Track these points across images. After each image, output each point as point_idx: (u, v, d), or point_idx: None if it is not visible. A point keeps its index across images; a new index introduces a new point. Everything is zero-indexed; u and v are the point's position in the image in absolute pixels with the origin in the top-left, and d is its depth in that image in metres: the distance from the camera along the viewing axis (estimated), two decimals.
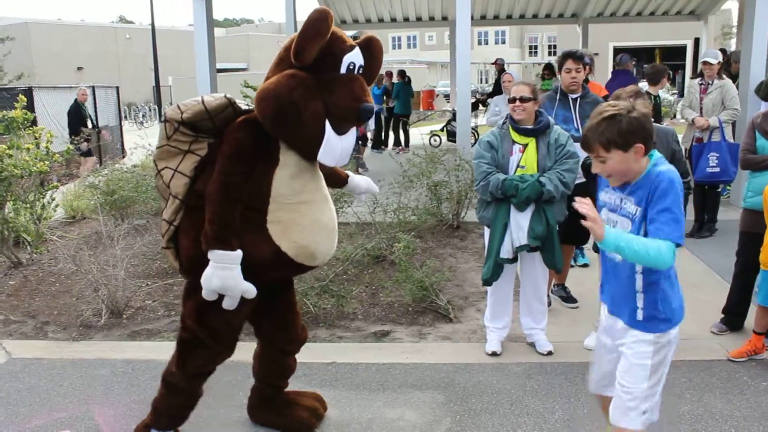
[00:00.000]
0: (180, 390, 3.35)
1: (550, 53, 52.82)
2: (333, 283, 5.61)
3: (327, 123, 3.00)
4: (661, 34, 31.11)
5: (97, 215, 7.44)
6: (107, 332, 5.23)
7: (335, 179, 3.68)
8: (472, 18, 9.62)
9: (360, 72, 3.12)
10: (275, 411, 3.67)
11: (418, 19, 19.83)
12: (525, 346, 4.77)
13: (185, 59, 41.04)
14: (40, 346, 4.99)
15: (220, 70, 11.88)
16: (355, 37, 3.20)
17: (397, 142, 16.99)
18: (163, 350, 4.84)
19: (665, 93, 22.73)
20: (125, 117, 26.46)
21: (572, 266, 6.06)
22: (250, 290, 2.99)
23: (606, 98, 5.58)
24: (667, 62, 26.84)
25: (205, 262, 2.95)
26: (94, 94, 15.32)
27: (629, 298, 2.71)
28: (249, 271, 2.98)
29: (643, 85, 8.67)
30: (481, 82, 45.84)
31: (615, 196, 2.71)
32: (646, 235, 2.58)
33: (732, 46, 29.61)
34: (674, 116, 20.89)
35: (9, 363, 4.69)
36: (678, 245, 2.53)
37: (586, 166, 4.52)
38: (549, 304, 5.16)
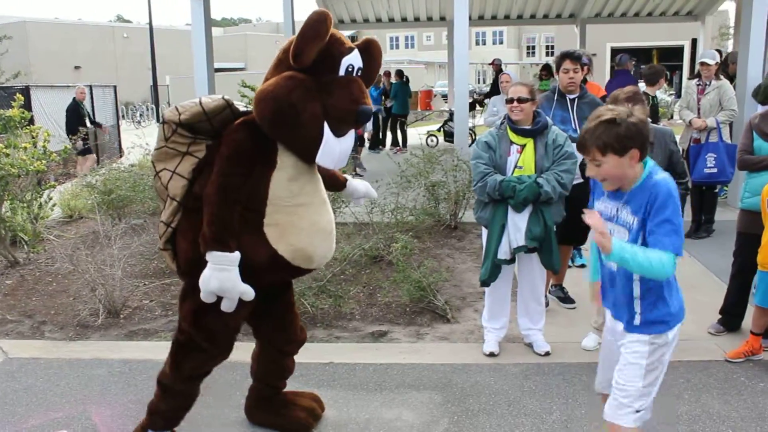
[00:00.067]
0: (175, 392, 3.34)
1: (547, 54, 52.90)
2: (330, 284, 5.61)
3: (325, 125, 2.99)
4: (658, 34, 31.14)
5: (94, 215, 7.44)
6: (104, 332, 5.22)
7: (334, 183, 3.68)
8: (469, 18, 9.63)
9: (359, 74, 3.11)
10: (273, 411, 3.67)
11: (416, 19, 19.84)
12: (522, 346, 4.77)
13: (183, 59, 40.99)
14: (36, 346, 4.98)
15: (217, 70, 11.87)
16: (352, 38, 3.19)
17: (394, 143, 16.99)
18: (160, 350, 4.82)
19: (662, 94, 22.74)
20: (123, 116, 26.41)
21: (570, 267, 6.06)
22: (248, 292, 2.98)
23: (604, 99, 5.59)
24: (664, 63, 26.87)
25: (203, 264, 2.95)
26: (91, 94, 15.30)
27: (627, 304, 2.73)
28: (246, 273, 2.98)
29: (641, 85, 8.68)
30: (479, 83, 45.86)
31: (611, 206, 2.72)
32: (644, 244, 2.59)
33: (729, 47, 29.64)
34: (671, 117, 20.91)
35: (6, 363, 4.67)
36: (677, 255, 2.56)
37: (585, 167, 4.53)
38: (546, 304, 5.16)
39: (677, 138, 4.92)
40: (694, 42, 19.86)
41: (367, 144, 16.26)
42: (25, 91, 13.27)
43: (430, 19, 19.82)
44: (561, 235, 4.56)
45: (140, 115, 31.28)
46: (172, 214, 3.15)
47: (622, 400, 2.70)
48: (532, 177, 4.31)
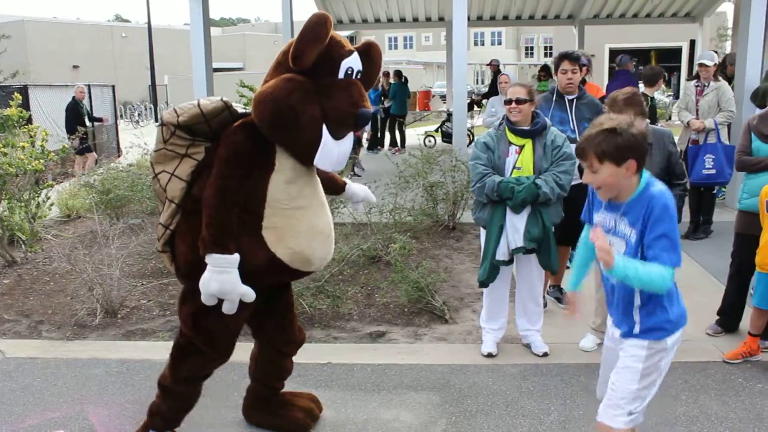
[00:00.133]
0: (174, 393, 3.34)
1: (546, 54, 52.94)
2: (328, 284, 5.60)
3: (324, 128, 2.99)
4: (656, 35, 31.15)
5: (92, 214, 7.43)
6: (102, 332, 5.21)
7: (333, 186, 3.68)
8: (468, 19, 9.62)
9: (358, 77, 3.11)
10: (271, 412, 3.67)
11: (415, 19, 19.83)
12: (520, 347, 4.77)
13: (181, 58, 40.96)
14: (34, 346, 4.98)
15: (216, 70, 11.87)
16: (351, 38, 3.19)
17: (393, 143, 16.99)
18: (158, 350, 4.83)
19: (660, 95, 22.79)
20: (121, 116, 26.38)
21: (568, 267, 6.05)
22: (249, 293, 2.98)
23: (603, 99, 5.59)
24: (662, 64, 26.92)
25: (202, 267, 2.95)
26: (89, 93, 15.28)
27: (628, 314, 2.75)
28: (245, 276, 2.98)
29: (640, 86, 8.69)
30: (478, 83, 45.89)
31: (609, 217, 2.73)
32: (643, 256, 2.60)
33: (727, 48, 29.67)
34: (669, 118, 20.94)
35: (3, 362, 4.67)
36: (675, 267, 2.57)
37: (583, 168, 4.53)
38: (545, 305, 5.15)
39: (675, 139, 4.91)
40: (692, 43, 19.90)
41: (365, 144, 16.26)
42: (24, 91, 13.25)
43: (428, 19, 19.82)
44: (559, 235, 4.56)
45: (138, 114, 31.25)
46: (171, 216, 3.15)
47: (615, 401, 2.71)
48: (530, 178, 4.31)
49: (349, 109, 3.02)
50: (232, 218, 2.96)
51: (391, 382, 4.27)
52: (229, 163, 2.97)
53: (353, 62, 3.06)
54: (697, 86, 7.74)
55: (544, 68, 14.78)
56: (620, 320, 2.80)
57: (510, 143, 4.44)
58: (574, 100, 5.26)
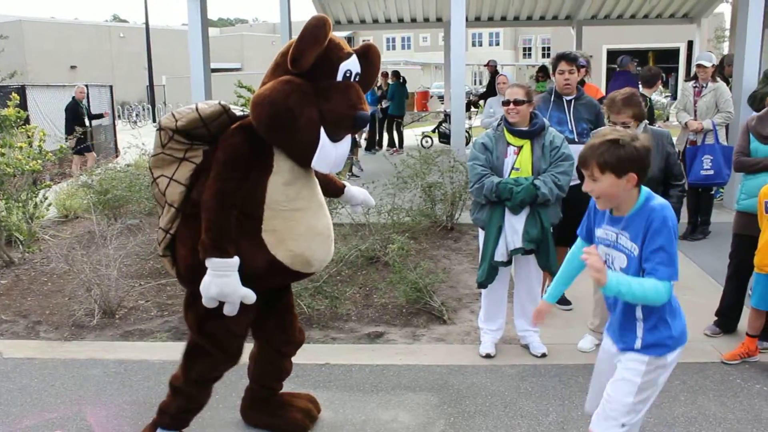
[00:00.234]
0: (184, 394, 3.34)
1: (543, 55, 52.98)
2: (327, 284, 5.60)
3: (322, 130, 2.99)
4: (654, 36, 31.20)
5: (90, 214, 7.41)
6: (99, 332, 5.20)
7: (331, 189, 3.68)
8: (466, 19, 9.62)
9: (356, 80, 3.11)
10: (269, 412, 3.66)
11: (413, 20, 19.83)
12: (519, 348, 4.77)
13: (179, 58, 40.96)
14: (31, 346, 4.97)
15: (214, 70, 11.86)
16: (349, 38, 3.19)
17: (391, 143, 16.99)
18: (156, 350, 4.83)
19: (658, 95, 22.80)
20: (119, 116, 26.37)
21: None
22: (249, 296, 2.98)
23: (602, 100, 5.60)
24: (660, 65, 26.93)
25: (203, 271, 2.95)
26: (87, 93, 15.27)
27: (629, 329, 2.71)
28: (246, 279, 2.98)
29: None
30: (475, 84, 45.90)
31: (611, 232, 2.71)
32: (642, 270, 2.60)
33: (725, 49, 29.73)
34: (667, 119, 20.96)
35: (0, 363, 4.65)
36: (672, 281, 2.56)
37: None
38: None
39: (674, 140, 4.92)
40: (690, 44, 19.94)
41: (363, 144, 16.26)
42: (21, 91, 13.24)
43: (426, 20, 19.82)
44: (557, 236, 4.56)
45: (136, 115, 31.25)
46: (171, 220, 3.15)
47: (609, 412, 2.68)
48: (529, 179, 4.31)
49: (347, 112, 3.02)
50: (230, 221, 2.96)
51: (389, 382, 4.27)
52: (227, 165, 2.97)
53: (352, 65, 3.06)
54: (695, 87, 7.76)
55: (542, 69, 14.76)
56: (620, 335, 2.75)
57: (508, 144, 4.44)
58: (573, 101, 5.26)
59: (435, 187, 7.87)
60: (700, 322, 4.96)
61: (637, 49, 31.15)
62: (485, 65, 16.55)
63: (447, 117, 16.50)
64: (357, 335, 5.07)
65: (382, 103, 16.61)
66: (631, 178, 2.55)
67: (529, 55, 57.82)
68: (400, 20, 19.77)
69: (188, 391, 3.33)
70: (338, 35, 3.16)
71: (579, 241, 3.02)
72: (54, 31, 42.69)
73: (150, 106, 31.66)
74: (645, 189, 2.66)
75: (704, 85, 7.66)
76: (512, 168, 4.39)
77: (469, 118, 17.89)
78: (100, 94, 17.13)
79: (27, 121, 8.76)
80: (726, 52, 18.80)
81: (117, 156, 15.52)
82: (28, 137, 7.59)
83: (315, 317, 5.30)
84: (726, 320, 4.91)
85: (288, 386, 3.80)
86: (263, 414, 3.68)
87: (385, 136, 17.17)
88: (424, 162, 8.08)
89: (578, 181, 4.67)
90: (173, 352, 4.73)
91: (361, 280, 6.23)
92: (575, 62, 5.26)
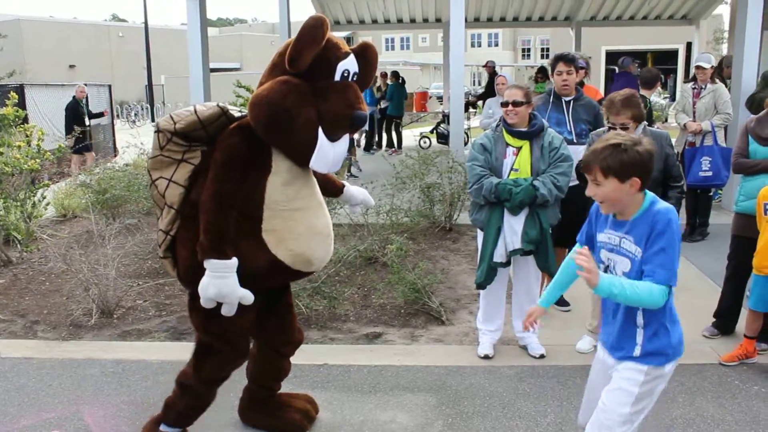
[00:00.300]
0: (192, 392, 3.34)
1: (542, 56, 52.99)
2: (325, 285, 5.60)
3: (320, 130, 2.99)
4: (653, 38, 31.26)
5: (88, 214, 7.41)
6: (97, 332, 5.20)
7: (331, 188, 3.68)
8: (465, 20, 9.62)
9: (354, 79, 3.11)
10: (267, 413, 3.66)
11: (412, 20, 19.84)
12: (517, 349, 4.77)
13: (178, 58, 40.96)
14: (29, 346, 4.96)
15: (213, 70, 11.85)
16: (348, 39, 3.19)
17: (389, 144, 16.99)
18: (154, 350, 4.83)
19: (656, 97, 22.82)
20: (117, 115, 26.35)
21: None
22: (247, 296, 2.98)
23: (601, 102, 5.59)
24: (659, 66, 26.97)
25: (204, 271, 2.95)
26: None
27: (629, 335, 2.67)
28: (247, 279, 2.99)
29: None
30: (474, 85, 45.90)
31: (614, 236, 2.68)
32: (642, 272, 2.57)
33: (724, 50, 29.75)
34: (665, 120, 20.98)
35: None
36: (671, 286, 2.53)
37: (580, 170, 4.52)
38: None
39: (673, 141, 4.92)
40: (688, 45, 19.96)
41: (362, 144, 16.27)
42: (20, 90, 13.22)
43: (425, 20, 19.83)
44: (556, 237, 4.56)
45: (135, 114, 31.22)
46: (171, 222, 3.15)
47: (604, 421, 2.64)
48: (528, 180, 4.31)
49: (344, 112, 3.02)
50: (228, 223, 2.96)
51: (387, 383, 4.26)
52: (225, 166, 2.97)
53: (349, 64, 3.07)
54: (694, 88, 7.76)
55: (541, 70, 14.79)
56: (618, 342, 2.70)
57: (507, 145, 4.43)
58: (571, 102, 5.26)
59: (434, 187, 7.87)
60: (699, 324, 4.96)
61: (635, 51, 31.21)
62: (483, 66, 16.57)
63: (445, 117, 16.51)
64: (355, 336, 5.07)
65: (381, 103, 16.61)
66: (635, 183, 2.54)
67: (528, 56, 57.84)
68: (399, 21, 19.78)
69: (198, 390, 3.33)
70: (337, 35, 3.16)
71: (578, 246, 2.98)
72: (53, 30, 42.64)
73: (149, 106, 31.63)
74: (650, 193, 2.64)
75: (703, 86, 7.66)
76: (511, 169, 4.39)
77: (468, 118, 17.89)
78: (99, 94, 17.12)
79: (25, 120, 8.75)
80: (725, 53, 18.82)
81: (115, 155, 15.51)
82: (27, 136, 7.58)
83: (313, 318, 5.30)
84: (724, 322, 4.91)
85: (286, 387, 3.80)
86: (261, 414, 3.68)
87: (384, 136, 17.17)
88: (422, 163, 8.08)
89: (577, 182, 4.71)
90: (171, 351, 4.75)
91: (359, 280, 6.23)
92: (573, 63, 5.26)
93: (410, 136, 17.68)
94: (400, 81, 17.03)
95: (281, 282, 3.39)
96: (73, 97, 13.30)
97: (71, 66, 41.62)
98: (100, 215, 7.62)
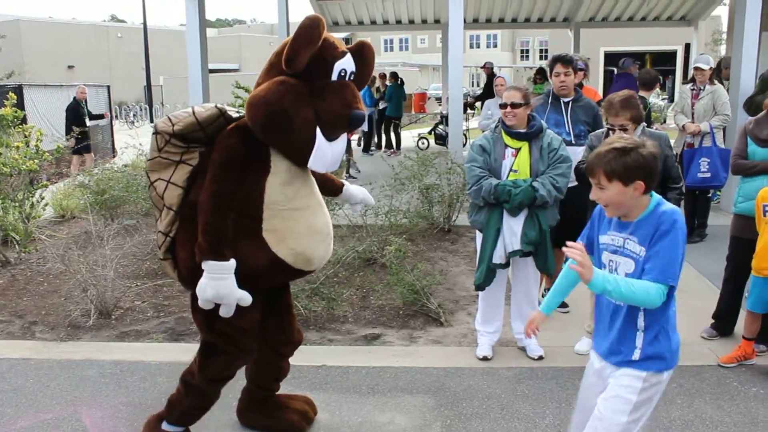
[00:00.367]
0: (197, 391, 3.33)
1: (541, 57, 53.06)
2: (324, 286, 5.59)
3: (317, 129, 2.99)
4: (651, 39, 31.22)
5: (86, 215, 7.40)
6: (95, 333, 5.19)
7: (330, 188, 3.68)
8: (464, 21, 9.62)
9: (351, 78, 3.11)
10: (265, 413, 3.66)
11: (411, 21, 19.84)
12: (516, 350, 4.76)
13: (177, 59, 40.95)
14: (27, 347, 4.95)
15: (211, 71, 11.84)
16: (347, 40, 3.19)
17: (388, 145, 16.99)
18: (152, 351, 4.82)
19: (655, 98, 22.83)
20: (116, 116, 26.32)
21: None
22: (245, 298, 2.98)
23: (600, 103, 5.59)
24: (657, 67, 26.97)
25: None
26: None
27: (629, 338, 2.61)
28: (247, 278, 2.98)
29: None
30: (473, 86, 45.91)
31: (618, 237, 2.65)
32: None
33: (722, 52, 29.78)
34: (664, 121, 20.99)
35: None
36: (671, 287, 2.49)
37: (579, 171, 4.53)
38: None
39: (672, 142, 4.92)
40: (687, 47, 19.97)
41: (361, 144, 16.27)
42: (18, 90, 13.21)
43: (424, 21, 19.84)
44: (555, 238, 4.56)
45: (134, 115, 31.19)
46: (170, 223, 3.15)
47: (600, 430, 2.59)
48: (527, 181, 4.31)
49: (342, 111, 3.02)
50: (226, 224, 2.96)
51: (386, 384, 4.26)
52: (223, 167, 2.97)
53: (346, 64, 3.07)
54: (692, 90, 7.76)
55: (540, 71, 14.80)
56: (617, 345, 2.64)
57: (506, 146, 4.43)
58: (570, 103, 5.26)
59: (432, 188, 7.87)
60: (697, 325, 4.96)
61: (634, 52, 31.22)
62: (482, 67, 16.57)
63: (443, 119, 16.52)
64: (354, 337, 5.06)
65: (380, 104, 16.62)
66: (639, 186, 2.51)
67: (527, 57, 57.88)
68: (398, 22, 19.79)
69: (203, 389, 3.33)
70: (336, 37, 3.16)
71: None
72: (52, 30, 42.62)
73: (147, 107, 31.62)
74: (656, 195, 2.61)
75: (702, 87, 7.67)
76: (510, 170, 4.39)
77: (466, 119, 17.90)
78: (98, 94, 17.12)
79: (24, 120, 8.74)
80: (723, 54, 18.84)
81: (114, 156, 15.50)
82: (25, 137, 7.58)
83: (312, 319, 5.29)
84: (723, 323, 4.91)
85: (284, 388, 3.80)
86: (260, 415, 3.67)
87: (383, 137, 17.17)
88: (421, 164, 8.08)
89: (576, 183, 4.71)
90: (169, 353, 4.75)
91: (358, 281, 6.23)
92: (571, 64, 5.26)
93: (409, 137, 17.67)
94: (399, 82, 17.03)
95: (282, 281, 3.39)
96: (74, 98, 13.30)
97: (70, 66, 41.60)
98: (99, 216, 7.61)
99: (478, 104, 18.65)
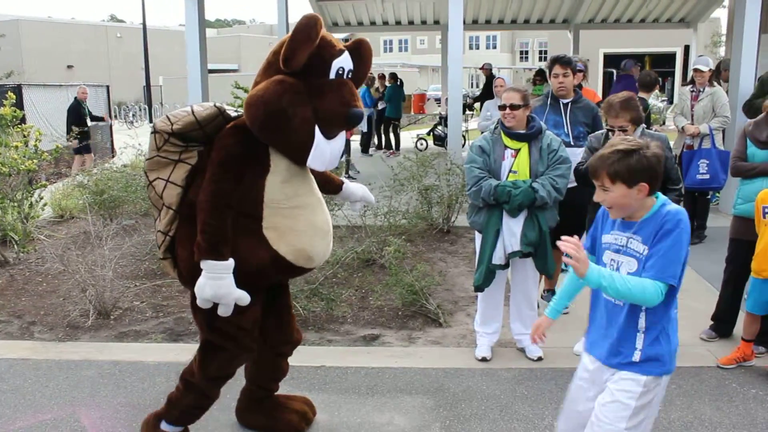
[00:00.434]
0: (196, 389, 3.33)
1: (540, 58, 53.09)
2: (323, 286, 5.59)
3: (316, 128, 2.99)
4: (651, 41, 31.28)
5: (85, 215, 7.39)
6: (94, 333, 5.18)
7: (330, 186, 3.67)
8: (463, 22, 9.63)
9: (349, 76, 3.11)
10: (264, 414, 3.65)
11: (410, 22, 19.87)
12: (515, 351, 4.76)
13: (176, 59, 41.00)
14: (25, 347, 4.94)
15: (211, 71, 11.84)
16: (346, 40, 3.19)
17: (387, 146, 17.00)
18: (151, 352, 4.82)
19: (654, 99, 22.85)
20: (115, 116, 26.32)
21: (563, 271, 6.05)
22: (243, 297, 2.98)
23: (599, 104, 5.60)
24: (656, 69, 27.00)
25: None
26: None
27: (629, 339, 2.58)
28: (248, 276, 2.98)
29: None
30: (472, 87, 45.93)
31: (622, 236, 2.63)
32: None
33: (721, 53, 29.80)
34: (663, 123, 21.01)
35: None
36: (671, 286, 2.46)
37: (578, 172, 4.53)
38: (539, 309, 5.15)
39: (671, 144, 4.92)
40: (686, 49, 20.00)
41: (360, 147, 16.27)
42: (18, 90, 13.21)
43: (424, 22, 19.86)
44: (554, 239, 4.55)
45: (133, 115, 31.16)
46: (169, 222, 3.15)
47: None
48: (527, 182, 4.31)
49: (340, 109, 3.02)
50: (225, 223, 2.96)
51: (384, 385, 4.26)
52: (222, 166, 2.97)
53: (344, 62, 3.07)
54: (692, 91, 7.76)
55: (540, 72, 14.79)
56: (616, 347, 2.61)
57: (506, 147, 4.43)
58: (569, 104, 5.26)
59: (431, 189, 7.87)
60: (696, 327, 4.96)
61: (633, 53, 31.25)
62: (481, 68, 16.58)
63: (442, 120, 16.52)
64: (353, 338, 5.06)
65: (379, 105, 16.62)
66: (643, 188, 2.50)
67: (526, 58, 57.93)
68: (398, 23, 19.81)
69: (203, 388, 3.32)
70: (335, 37, 3.16)
71: None
72: (51, 30, 42.61)
73: (147, 107, 31.60)
74: (662, 196, 2.60)
75: (701, 89, 7.67)
76: (510, 171, 4.39)
77: (466, 120, 17.91)
78: (97, 94, 17.12)
79: (23, 120, 8.73)
80: (722, 56, 18.84)
81: (113, 156, 15.49)
82: (24, 137, 7.57)
83: (311, 319, 5.29)
84: (722, 325, 4.91)
85: (283, 388, 3.79)
86: (259, 415, 3.67)
87: (383, 138, 17.17)
88: (420, 164, 8.08)
89: (575, 184, 4.71)
90: (168, 353, 4.74)
91: (357, 282, 6.22)
92: (569, 65, 5.26)
93: (408, 137, 17.66)
94: (398, 83, 17.04)
95: (282, 278, 3.40)
96: (75, 98, 13.28)
97: (69, 66, 41.59)
98: (98, 216, 7.60)
99: (477, 105, 18.66)
